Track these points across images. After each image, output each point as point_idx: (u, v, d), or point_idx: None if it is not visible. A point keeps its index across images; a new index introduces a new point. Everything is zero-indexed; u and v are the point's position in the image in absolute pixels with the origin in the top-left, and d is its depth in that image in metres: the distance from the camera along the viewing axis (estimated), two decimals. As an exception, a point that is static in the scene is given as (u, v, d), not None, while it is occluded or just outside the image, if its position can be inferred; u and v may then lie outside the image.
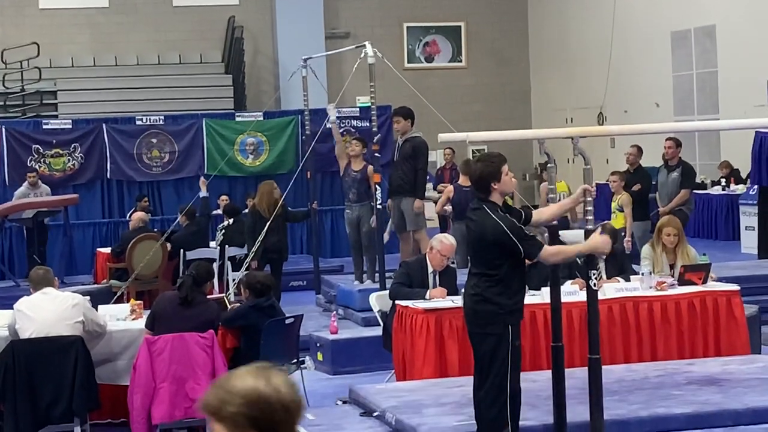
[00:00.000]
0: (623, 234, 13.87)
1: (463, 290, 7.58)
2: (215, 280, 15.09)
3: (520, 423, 7.50)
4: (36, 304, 8.66)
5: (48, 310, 8.60)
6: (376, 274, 13.21)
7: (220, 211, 18.74)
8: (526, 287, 9.45)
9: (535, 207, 12.22)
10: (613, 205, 14.46)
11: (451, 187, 15.86)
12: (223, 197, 18.67)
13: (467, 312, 7.37)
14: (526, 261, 7.36)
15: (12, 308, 8.86)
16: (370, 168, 13.52)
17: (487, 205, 7.15)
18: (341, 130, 16.31)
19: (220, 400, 2.86)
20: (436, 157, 24.86)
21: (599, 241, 7.17)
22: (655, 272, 10.31)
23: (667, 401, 8.21)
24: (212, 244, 15.53)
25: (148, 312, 9.20)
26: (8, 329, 8.75)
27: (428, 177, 17.38)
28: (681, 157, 15.06)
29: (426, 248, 13.05)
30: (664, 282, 9.91)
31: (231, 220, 15.42)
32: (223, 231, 15.49)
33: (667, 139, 14.96)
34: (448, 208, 15.07)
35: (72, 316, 8.63)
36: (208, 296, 10.09)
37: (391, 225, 13.81)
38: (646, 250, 10.89)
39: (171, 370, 8.59)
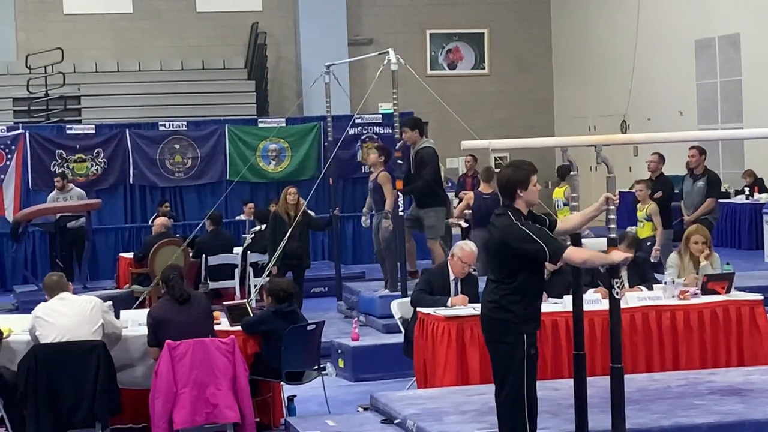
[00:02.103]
0: (648, 243, 13.81)
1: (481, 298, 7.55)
2: (237, 285, 15.13)
3: (541, 432, 7.48)
4: (55, 309, 8.68)
5: (67, 315, 8.62)
6: (398, 284, 13.17)
7: (243, 217, 18.79)
8: (546, 295, 9.46)
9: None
10: (640, 214, 14.37)
11: (471, 194, 15.85)
12: (250, 205, 18.70)
13: (483, 319, 7.34)
14: (548, 268, 7.32)
15: (35, 313, 8.88)
16: (381, 174, 13.47)
17: (511, 211, 7.11)
18: (364, 137, 16.28)
19: None
20: (458, 164, 24.86)
21: (619, 255, 7.13)
22: (682, 280, 10.27)
23: (689, 411, 8.17)
24: (237, 249, 15.53)
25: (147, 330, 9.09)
26: (29, 334, 8.78)
27: (449, 184, 17.39)
28: (706, 166, 15.00)
29: (437, 257, 13.06)
30: (687, 291, 9.87)
31: (263, 226, 15.38)
32: (253, 236, 15.48)
33: (691, 148, 14.89)
34: (468, 212, 15.06)
35: (92, 320, 8.65)
36: (228, 302, 10.12)
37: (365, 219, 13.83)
38: (672, 258, 10.85)
39: (192, 375, 8.60)
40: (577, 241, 7.54)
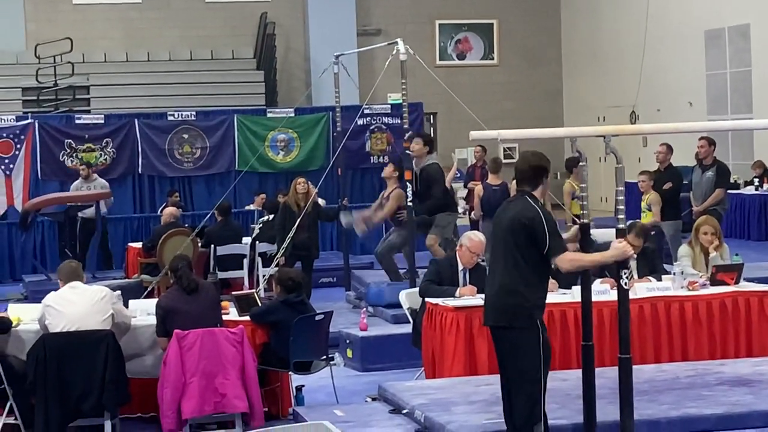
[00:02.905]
0: (653, 233, 13.79)
1: (487, 283, 7.52)
2: (245, 276, 15.15)
3: (550, 423, 7.48)
4: (65, 299, 8.69)
5: (77, 305, 8.63)
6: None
7: (253, 207, 18.80)
8: (556, 285, 9.46)
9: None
10: (643, 204, 14.40)
11: (480, 186, 15.85)
12: (262, 195, 18.71)
13: (492, 307, 7.31)
14: None
15: (44, 302, 8.90)
16: (395, 192, 13.48)
17: (528, 196, 7.19)
18: (372, 127, 16.26)
19: None
20: (467, 155, 24.84)
21: (619, 249, 7.12)
22: (700, 272, 10.26)
23: (698, 402, 8.17)
24: (246, 239, 15.55)
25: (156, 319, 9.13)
26: (38, 323, 8.79)
27: (458, 174, 17.38)
28: (716, 157, 14.97)
29: (435, 253, 13.05)
30: (696, 282, 9.87)
31: (271, 216, 15.40)
32: (261, 226, 15.51)
33: (700, 139, 14.87)
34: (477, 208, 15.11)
35: (102, 309, 8.66)
36: (237, 292, 10.13)
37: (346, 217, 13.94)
38: (683, 249, 10.84)
39: (201, 365, 8.62)
40: (587, 232, 7.55)
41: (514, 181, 15.20)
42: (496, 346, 7.43)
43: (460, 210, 15.32)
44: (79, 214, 17.72)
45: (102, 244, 17.99)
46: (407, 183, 12.94)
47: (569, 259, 7.11)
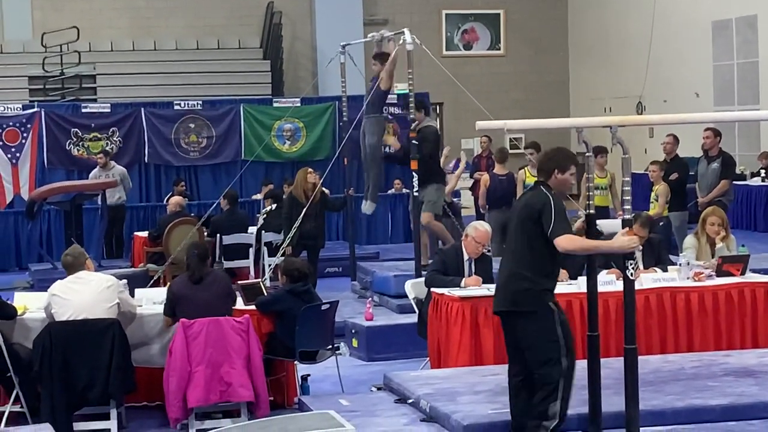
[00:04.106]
0: (661, 223, 13.79)
1: (498, 270, 7.55)
2: (251, 265, 15.17)
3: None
4: (71, 288, 8.70)
5: (84, 293, 8.64)
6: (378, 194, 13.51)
7: (259, 197, 18.81)
8: (567, 275, 9.47)
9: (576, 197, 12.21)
10: (653, 194, 14.38)
11: (487, 176, 15.84)
12: (270, 185, 18.74)
13: (503, 292, 7.35)
14: None
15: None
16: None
17: (544, 186, 7.28)
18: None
19: None
20: (473, 145, 24.83)
21: (623, 241, 7.12)
22: (705, 262, 10.25)
23: (703, 392, 8.17)
24: (252, 229, 15.57)
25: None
26: (44, 312, 8.80)
27: (467, 166, 17.37)
28: (721, 148, 14.95)
29: (434, 228, 13.10)
30: (702, 273, 9.86)
31: (274, 206, 15.43)
32: (265, 216, 15.52)
33: (705, 129, 14.85)
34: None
35: (108, 298, 8.67)
36: (242, 281, 10.14)
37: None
38: (689, 240, 10.84)
39: (206, 354, 8.62)
40: (593, 222, 7.55)
41: (520, 171, 15.31)
42: (507, 334, 7.44)
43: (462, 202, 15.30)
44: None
45: (108, 233, 18.00)
46: (414, 172, 12.93)
47: (569, 238, 7.12)
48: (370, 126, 13.57)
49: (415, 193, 13.02)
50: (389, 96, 13.85)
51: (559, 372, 7.17)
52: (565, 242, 7.10)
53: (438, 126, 13.60)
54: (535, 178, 15.11)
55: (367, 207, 13.93)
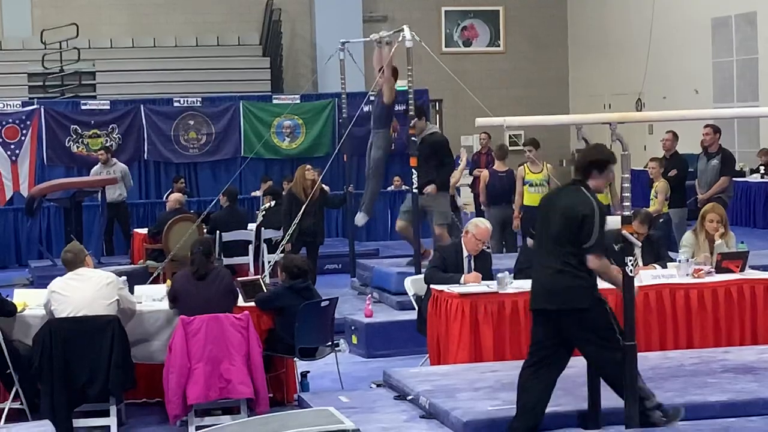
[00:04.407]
0: (660, 220, 13.80)
1: (537, 267, 7.53)
2: (251, 262, 15.17)
3: (554, 410, 7.50)
4: (71, 285, 8.70)
5: (83, 290, 8.64)
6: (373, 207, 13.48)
7: (259, 193, 18.80)
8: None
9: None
10: (652, 191, 14.39)
11: (486, 172, 15.85)
12: (269, 182, 18.74)
13: (549, 290, 7.33)
14: None
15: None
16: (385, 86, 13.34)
17: (583, 186, 7.27)
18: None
19: None
20: (473, 142, 24.82)
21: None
22: (696, 259, 10.25)
23: (703, 389, 8.18)
24: (251, 225, 15.57)
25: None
26: (44, 309, 8.81)
27: (468, 164, 17.36)
28: (721, 144, 14.96)
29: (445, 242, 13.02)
30: (701, 269, 9.86)
31: (273, 202, 15.44)
32: (264, 213, 15.53)
33: (705, 126, 14.86)
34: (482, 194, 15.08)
35: (108, 295, 8.67)
36: (242, 278, 10.14)
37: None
38: (688, 237, 10.84)
39: (206, 350, 8.62)
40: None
41: (520, 168, 15.30)
42: (548, 330, 7.38)
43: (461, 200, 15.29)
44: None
45: (107, 230, 18.00)
46: (413, 170, 12.92)
47: (604, 263, 7.22)
48: (377, 140, 13.56)
49: (414, 191, 13.01)
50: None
51: (620, 358, 7.23)
52: (597, 263, 7.19)
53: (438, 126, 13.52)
54: (534, 175, 15.18)
55: (359, 218, 13.88)
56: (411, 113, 13.21)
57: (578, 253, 7.18)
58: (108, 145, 19.33)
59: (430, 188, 13.01)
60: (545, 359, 7.36)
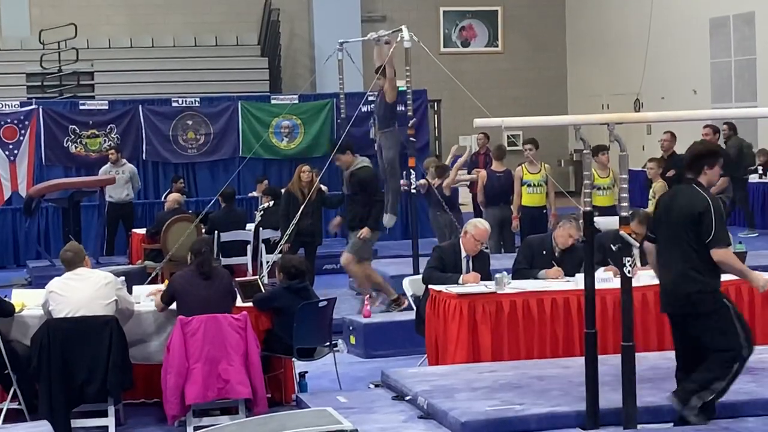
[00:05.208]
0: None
1: (660, 271, 7.59)
2: (249, 262, 15.16)
3: (553, 410, 7.50)
4: (69, 285, 8.70)
5: (81, 290, 8.64)
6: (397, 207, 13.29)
7: (256, 194, 18.80)
8: (562, 273, 9.48)
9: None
10: (650, 192, 14.40)
11: (484, 173, 15.85)
12: (265, 181, 18.73)
13: (674, 294, 7.40)
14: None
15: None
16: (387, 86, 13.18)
17: (696, 184, 7.32)
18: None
19: None
20: (470, 142, 24.83)
21: (760, 280, 7.47)
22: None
23: (701, 389, 8.16)
24: (250, 226, 15.56)
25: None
26: (42, 309, 8.80)
27: (465, 163, 17.33)
28: (719, 145, 14.96)
29: (370, 281, 12.77)
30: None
31: (271, 202, 15.43)
32: (262, 213, 15.52)
33: (705, 126, 14.87)
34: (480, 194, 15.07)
35: (106, 295, 8.67)
36: (240, 278, 10.14)
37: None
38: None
39: (204, 351, 8.62)
40: (590, 218, 7.56)
41: (518, 168, 15.31)
42: (680, 333, 7.50)
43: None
44: (107, 200, 17.77)
45: (111, 230, 17.97)
46: (410, 170, 12.90)
47: (728, 253, 7.27)
48: (385, 141, 13.44)
49: (413, 190, 13.01)
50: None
51: (740, 360, 7.32)
52: (722, 255, 7.23)
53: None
54: (532, 175, 15.18)
55: (387, 220, 13.54)
56: (410, 114, 13.21)
57: (700, 249, 7.22)
58: (106, 145, 19.31)
59: (363, 232, 12.55)
60: (688, 363, 7.48)
